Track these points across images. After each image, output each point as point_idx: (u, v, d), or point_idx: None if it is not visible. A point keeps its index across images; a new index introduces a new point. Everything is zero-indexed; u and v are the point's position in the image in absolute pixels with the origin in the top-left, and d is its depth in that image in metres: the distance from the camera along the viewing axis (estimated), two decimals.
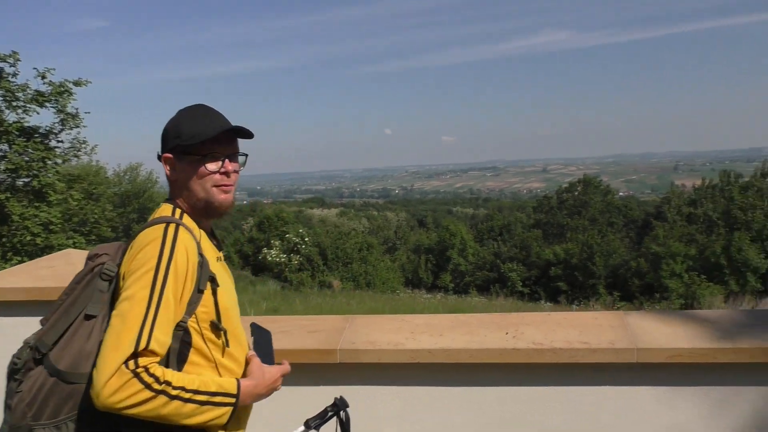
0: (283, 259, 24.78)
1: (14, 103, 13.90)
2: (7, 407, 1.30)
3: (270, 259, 25.30)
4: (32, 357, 1.30)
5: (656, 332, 1.93)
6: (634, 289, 21.53)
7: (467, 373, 2.00)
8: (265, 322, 2.37)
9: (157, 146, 1.46)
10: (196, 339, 1.33)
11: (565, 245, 24.62)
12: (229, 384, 1.30)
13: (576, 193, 34.99)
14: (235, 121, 1.45)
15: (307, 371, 2.09)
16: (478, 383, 2.00)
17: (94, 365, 1.19)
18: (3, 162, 13.94)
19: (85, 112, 14.78)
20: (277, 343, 2.12)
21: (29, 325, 1.46)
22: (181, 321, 1.29)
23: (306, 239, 25.01)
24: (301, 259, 24.14)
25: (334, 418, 1.58)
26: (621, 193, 47.01)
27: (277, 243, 25.89)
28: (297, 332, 2.21)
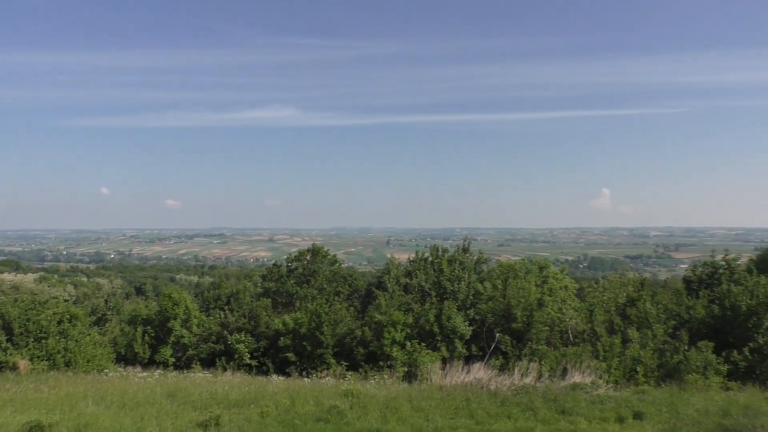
0: None
1: None
2: None
3: None
4: None
5: None
6: (359, 358, 21.91)
7: None
8: None
9: None
10: None
11: (294, 314, 24.23)
12: None
13: (305, 262, 35.37)
14: None
15: None
16: None
17: None
18: None
19: None
20: None
21: None
22: None
23: None
24: None
25: None
26: (344, 264, 49.31)
27: None
28: None
